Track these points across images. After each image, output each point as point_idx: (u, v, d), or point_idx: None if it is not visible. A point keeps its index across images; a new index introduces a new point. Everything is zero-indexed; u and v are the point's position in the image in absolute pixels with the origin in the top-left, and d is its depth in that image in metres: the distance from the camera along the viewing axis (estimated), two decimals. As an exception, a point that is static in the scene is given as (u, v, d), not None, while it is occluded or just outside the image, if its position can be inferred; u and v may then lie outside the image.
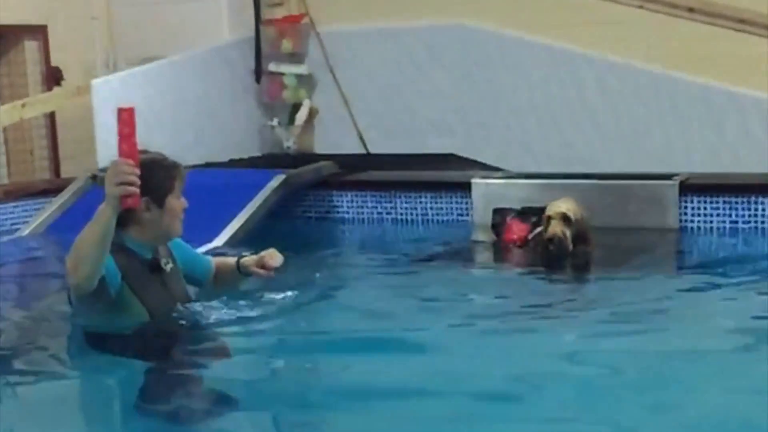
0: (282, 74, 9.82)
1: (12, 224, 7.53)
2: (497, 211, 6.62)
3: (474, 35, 9.05)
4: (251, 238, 6.74)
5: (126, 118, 3.83)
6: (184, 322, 4.28)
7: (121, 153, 3.82)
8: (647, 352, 4.07)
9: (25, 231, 7.24)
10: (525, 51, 8.85)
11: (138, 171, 3.81)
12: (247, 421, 3.49)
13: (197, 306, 4.42)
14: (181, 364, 4.07)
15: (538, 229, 6.10)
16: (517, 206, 6.59)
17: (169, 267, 4.32)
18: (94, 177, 4.30)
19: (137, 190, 3.82)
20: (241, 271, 4.67)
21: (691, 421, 3.33)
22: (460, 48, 9.14)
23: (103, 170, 4.11)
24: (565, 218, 5.89)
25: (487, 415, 3.42)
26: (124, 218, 4.06)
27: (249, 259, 4.67)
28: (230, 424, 3.45)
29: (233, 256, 4.81)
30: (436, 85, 9.29)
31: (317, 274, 5.65)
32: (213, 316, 4.39)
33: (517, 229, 6.33)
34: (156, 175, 4.15)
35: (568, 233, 5.87)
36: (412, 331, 4.41)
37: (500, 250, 6.34)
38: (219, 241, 6.62)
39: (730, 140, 8.04)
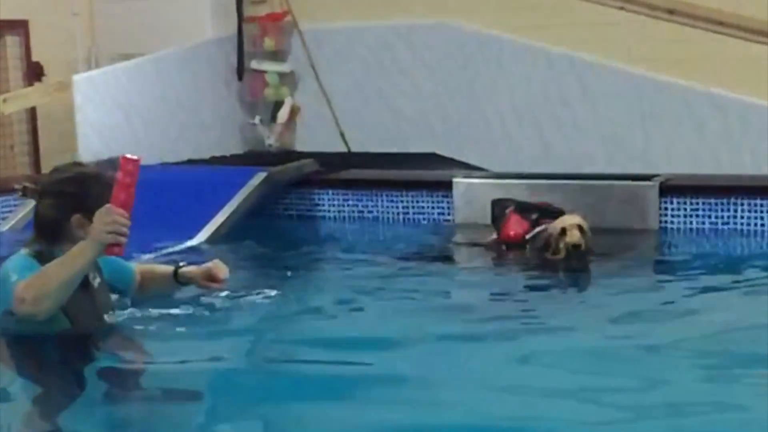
0: (264, 72, 9.82)
1: (-9, 220, 7.50)
2: (496, 203, 6.49)
3: (456, 35, 9.07)
4: (232, 236, 6.75)
5: (130, 169, 3.77)
6: (109, 334, 4.16)
7: (117, 201, 3.76)
8: (633, 354, 4.05)
9: (4, 227, 7.22)
10: (506, 51, 8.87)
11: (129, 223, 3.76)
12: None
13: (126, 315, 4.30)
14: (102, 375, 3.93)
15: (538, 229, 6.01)
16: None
17: (97, 282, 4.17)
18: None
19: (125, 241, 3.78)
20: (179, 281, 4.54)
21: (677, 419, 3.33)
22: (442, 47, 9.16)
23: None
24: (581, 230, 5.80)
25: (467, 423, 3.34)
26: (56, 234, 3.99)
27: (191, 270, 4.54)
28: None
29: (172, 264, 4.66)
30: (417, 84, 9.31)
31: (288, 273, 5.60)
32: (146, 326, 4.27)
33: (515, 225, 6.19)
34: (90, 191, 4.01)
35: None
36: (388, 335, 4.31)
37: (482, 251, 6.32)
38: (200, 239, 6.62)
39: (710, 142, 8.08)
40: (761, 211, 6.58)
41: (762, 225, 6.58)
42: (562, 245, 5.79)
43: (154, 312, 4.39)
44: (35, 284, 3.75)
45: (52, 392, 3.77)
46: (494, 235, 6.37)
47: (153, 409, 3.55)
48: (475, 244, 6.47)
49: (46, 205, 4.06)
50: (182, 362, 4.00)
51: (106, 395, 3.73)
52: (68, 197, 4.01)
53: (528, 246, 6.07)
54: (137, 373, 3.96)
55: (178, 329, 4.29)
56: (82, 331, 4.05)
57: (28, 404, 3.65)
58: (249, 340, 4.39)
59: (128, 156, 3.79)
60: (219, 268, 4.51)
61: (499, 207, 6.43)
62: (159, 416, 3.47)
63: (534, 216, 6.16)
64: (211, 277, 4.50)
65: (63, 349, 4.02)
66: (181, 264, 4.61)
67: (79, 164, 4.21)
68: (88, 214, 3.93)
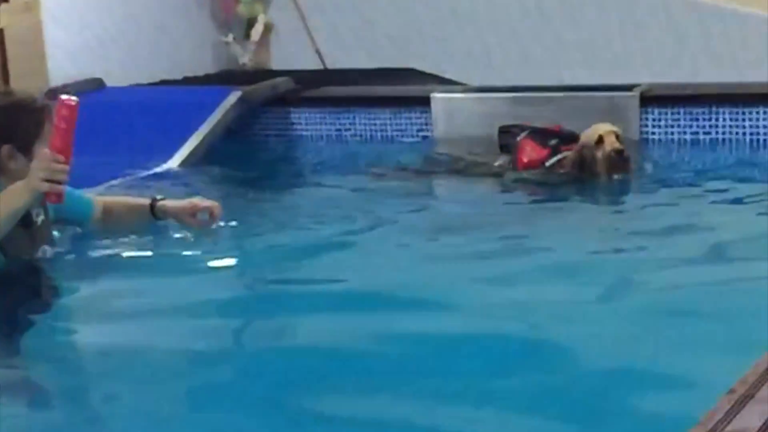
0: (236, -13, 9.63)
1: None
2: (504, 131, 6.05)
3: (431, -55, 8.90)
4: (207, 159, 6.64)
5: (66, 114, 3.63)
6: (46, 271, 3.99)
7: (53, 147, 3.64)
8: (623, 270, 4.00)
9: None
10: (484, -39, 8.72)
11: (67, 168, 3.63)
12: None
13: (74, 250, 4.17)
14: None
15: (560, 156, 5.65)
16: (478, 120, 6.44)
17: (40, 219, 4.00)
18: None
19: (64, 188, 3.68)
20: (156, 215, 4.36)
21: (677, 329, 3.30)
22: (419, -41, 9.00)
23: None
24: (617, 136, 5.51)
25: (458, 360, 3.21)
26: None
27: (172, 204, 4.37)
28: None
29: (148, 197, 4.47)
30: (394, -3, 9.15)
31: (267, 197, 5.43)
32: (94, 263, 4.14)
33: (531, 152, 5.75)
34: (21, 120, 3.84)
35: None
36: (374, 262, 4.20)
37: (464, 165, 6.18)
38: (174, 162, 6.51)
39: (690, 50, 7.99)
40: (742, 120, 6.53)
41: (743, 134, 6.54)
42: (600, 154, 5.44)
43: (107, 247, 4.24)
44: None
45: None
46: (503, 160, 5.94)
47: (105, 363, 3.35)
48: (477, 164, 6.07)
49: None
50: (140, 308, 3.77)
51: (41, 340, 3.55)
52: None
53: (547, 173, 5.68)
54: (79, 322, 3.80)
55: (137, 267, 4.13)
56: (15, 265, 3.90)
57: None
58: (226, 276, 4.20)
59: (65, 99, 3.65)
60: (208, 203, 4.35)
61: (508, 134, 6.00)
62: (109, 369, 3.28)
63: (553, 141, 5.75)
64: (194, 213, 4.33)
65: None
66: (158, 197, 4.42)
67: (9, 93, 4.06)
68: (19, 144, 3.82)
